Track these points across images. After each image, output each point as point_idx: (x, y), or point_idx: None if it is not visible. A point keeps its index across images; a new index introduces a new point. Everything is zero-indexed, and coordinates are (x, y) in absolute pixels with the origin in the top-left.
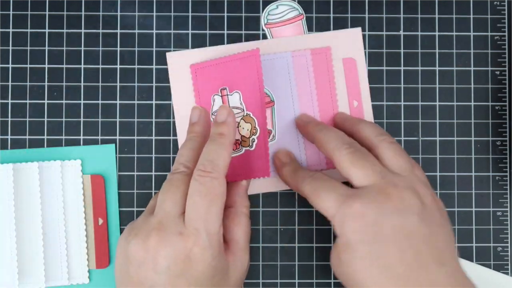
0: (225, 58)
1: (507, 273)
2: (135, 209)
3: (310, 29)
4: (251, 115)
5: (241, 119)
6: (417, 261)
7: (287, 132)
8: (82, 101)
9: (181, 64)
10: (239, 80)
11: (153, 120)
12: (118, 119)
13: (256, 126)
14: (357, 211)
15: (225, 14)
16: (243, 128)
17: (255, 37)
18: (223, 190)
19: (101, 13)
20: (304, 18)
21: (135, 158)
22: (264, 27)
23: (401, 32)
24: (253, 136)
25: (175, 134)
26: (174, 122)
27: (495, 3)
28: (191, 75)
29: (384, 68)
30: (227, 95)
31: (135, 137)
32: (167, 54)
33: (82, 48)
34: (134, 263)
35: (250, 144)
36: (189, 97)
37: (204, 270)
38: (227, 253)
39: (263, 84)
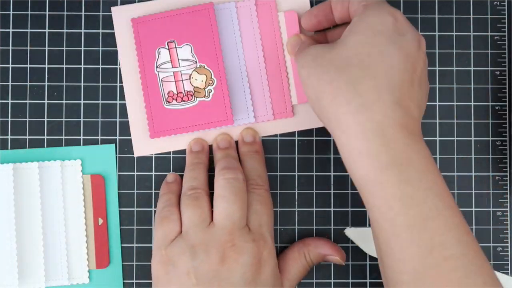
0: (173, 11)
1: (507, 273)
2: (135, 209)
3: None
4: (206, 67)
5: (193, 70)
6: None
7: (234, 83)
8: (82, 101)
9: (127, 19)
10: (190, 33)
11: None
12: (118, 119)
13: (213, 77)
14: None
15: None
16: (196, 79)
17: None
18: None
19: (101, 13)
20: None
21: (135, 158)
22: None
23: None
24: (210, 87)
25: None
26: None
27: (495, 3)
28: (132, 29)
29: None
30: (175, 47)
31: None
32: (112, 8)
33: (82, 48)
34: (204, 279)
35: (206, 95)
36: (131, 53)
37: (270, 273)
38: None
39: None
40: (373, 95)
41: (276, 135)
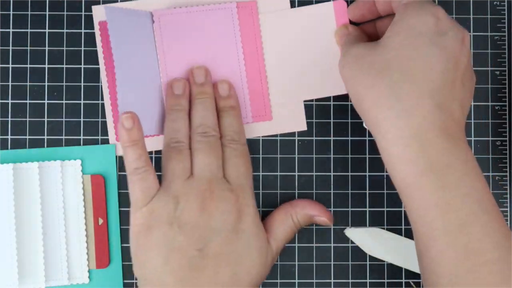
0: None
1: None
2: None
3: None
4: None
5: None
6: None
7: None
8: (82, 101)
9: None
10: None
11: None
12: None
13: None
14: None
15: None
16: None
17: None
18: None
19: None
20: None
21: None
22: None
23: None
24: None
25: None
26: None
27: (495, 3)
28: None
29: None
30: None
31: None
32: (93, 7)
33: (82, 48)
34: (187, 228)
35: None
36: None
37: (251, 222)
38: (271, 249)
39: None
40: (413, 100)
41: (276, 135)
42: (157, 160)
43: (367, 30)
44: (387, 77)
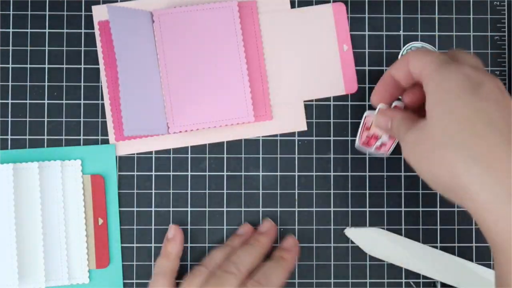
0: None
1: None
2: (135, 209)
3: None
4: None
5: None
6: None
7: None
8: (82, 101)
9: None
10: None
11: None
12: None
13: None
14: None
15: None
16: None
17: None
18: None
19: None
20: None
21: (135, 158)
22: None
23: (401, 32)
24: None
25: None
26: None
27: (495, 3)
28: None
29: (384, 68)
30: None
31: None
32: (93, 7)
33: (82, 48)
34: None
35: None
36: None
37: None
38: None
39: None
40: (488, 159)
41: (276, 135)
42: (155, 159)
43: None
44: (452, 151)
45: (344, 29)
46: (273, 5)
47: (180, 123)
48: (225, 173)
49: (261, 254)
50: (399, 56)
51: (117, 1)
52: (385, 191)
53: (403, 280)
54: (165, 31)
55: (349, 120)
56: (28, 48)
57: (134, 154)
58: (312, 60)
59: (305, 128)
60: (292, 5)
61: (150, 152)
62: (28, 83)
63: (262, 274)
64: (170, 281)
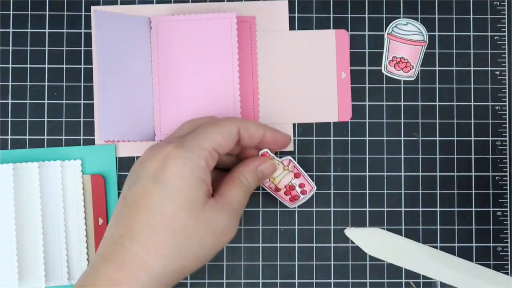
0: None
1: (507, 273)
2: None
3: (295, 29)
4: None
5: None
6: None
7: None
8: (82, 101)
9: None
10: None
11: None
12: None
13: None
14: None
15: None
16: None
17: None
18: (228, 134)
19: None
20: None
21: (135, 158)
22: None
23: None
24: None
25: None
26: None
27: (495, 3)
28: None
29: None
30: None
31: None
32: (92, 7)
33: (82, 48)
34: (130, 172)
35: None
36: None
37: (174, 176)
38: (212, 202)
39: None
40: None
41: None
42: None
43: None
44: None
45: (344, 56)
46: (271, 25)
47: (167, 132)
48: None
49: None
50: (385, 35)
51: (117, 2)
52: (385, 191)
53: (403, 280)
54: (162, 39)
55: (349, 120)
56: (28, 48)
57: (134, 155)
58: (308, 83)
59: (292, 149)
60: (291, 27)
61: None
62: (28, 83)
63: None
64: None
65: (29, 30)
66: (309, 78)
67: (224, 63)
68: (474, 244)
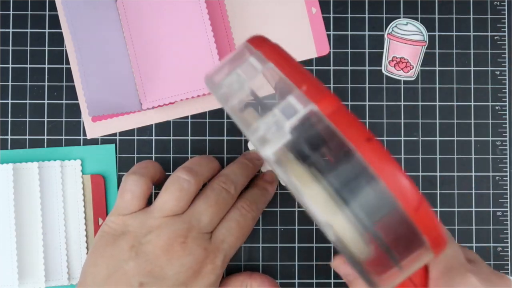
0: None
1: (507, 273)
2: None
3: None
4: None
5: None
6: None
7: None
8: (82, 101)
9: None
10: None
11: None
12: None
13: None
14: None
15: None
16: None
17: None
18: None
19: None
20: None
21: (135, 158)
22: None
23: None
24: None
25: (175, 135)
26: (174, 122)
27: (495, 3)
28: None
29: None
30: None
31: (135, 137)
32: None
33: None
34: (142, 258)
35: None
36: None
37: (204, 286)
38: None
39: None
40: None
41: None
42: (155, 159)
43: None
44: None
45: None
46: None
47: (153, 98)
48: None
49: (249, 177)
50: (385, 35)
51: None
52: None
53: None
54: (130, 16)
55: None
56: (28, 48)
57: (134, 155)
58: (280, 23)
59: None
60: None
61: (150, 152)
62: (28, 83)
63: (248, 198)
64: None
65: (29, 30)
66: (281, 17)
67: (194, 18)
68: (474, 244)
